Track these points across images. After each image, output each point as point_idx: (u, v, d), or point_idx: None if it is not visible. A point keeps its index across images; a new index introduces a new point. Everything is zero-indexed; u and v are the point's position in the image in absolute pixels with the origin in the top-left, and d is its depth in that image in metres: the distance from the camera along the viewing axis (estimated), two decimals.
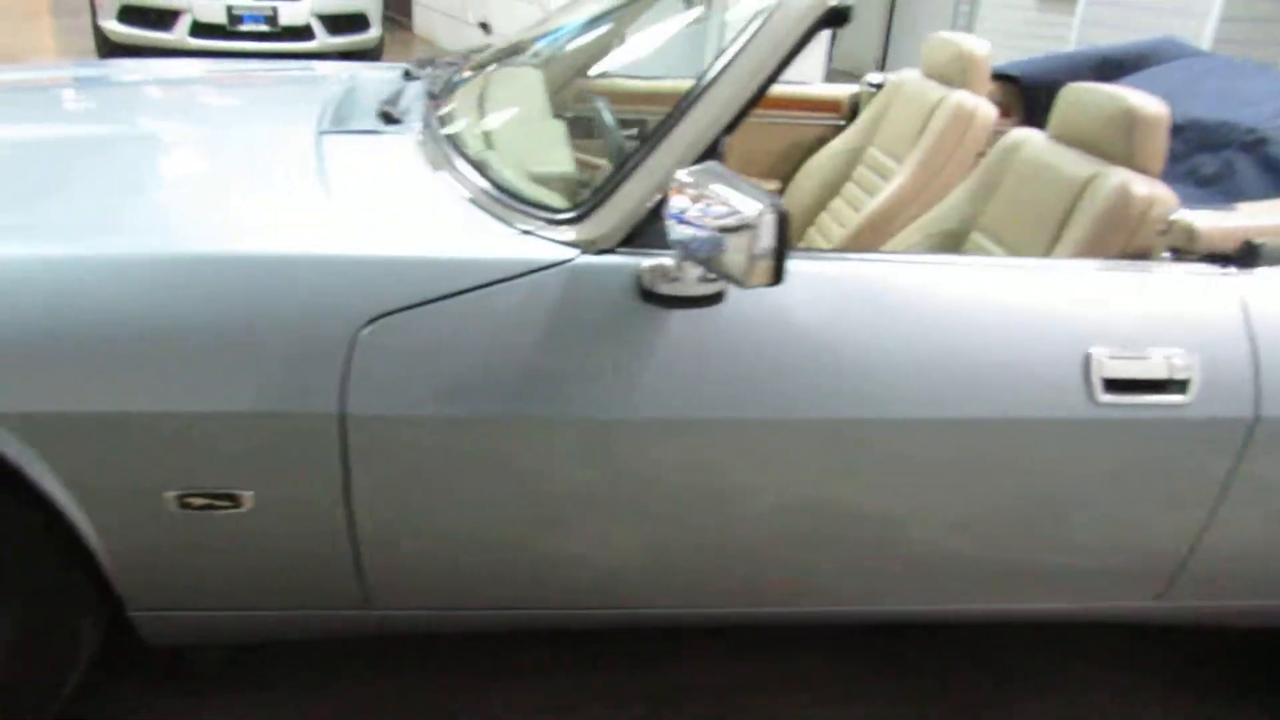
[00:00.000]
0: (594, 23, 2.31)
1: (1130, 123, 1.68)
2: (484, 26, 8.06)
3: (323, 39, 6.81)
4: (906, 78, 2.61)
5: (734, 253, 1.17)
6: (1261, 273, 1.52)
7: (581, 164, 1.72)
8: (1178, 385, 1.44)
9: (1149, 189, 1.65)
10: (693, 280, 1.31)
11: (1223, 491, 1.51)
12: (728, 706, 1.75)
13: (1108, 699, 1.85)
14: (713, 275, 1.31)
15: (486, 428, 1.31)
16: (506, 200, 1.44)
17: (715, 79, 1.39)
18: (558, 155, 1.66)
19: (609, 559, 1.43)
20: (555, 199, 1.48)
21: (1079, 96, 1.81)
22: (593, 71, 2.42)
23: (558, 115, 1.87)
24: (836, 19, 1.41)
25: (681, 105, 1.39)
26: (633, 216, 1.36)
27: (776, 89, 2.83)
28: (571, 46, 2.27)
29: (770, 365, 1.35)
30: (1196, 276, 1.50)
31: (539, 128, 1.78)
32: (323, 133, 1.70)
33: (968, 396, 1.40)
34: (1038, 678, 1.89)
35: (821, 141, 2.85)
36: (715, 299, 1.33)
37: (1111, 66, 2.65)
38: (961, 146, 2.35)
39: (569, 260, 1.34)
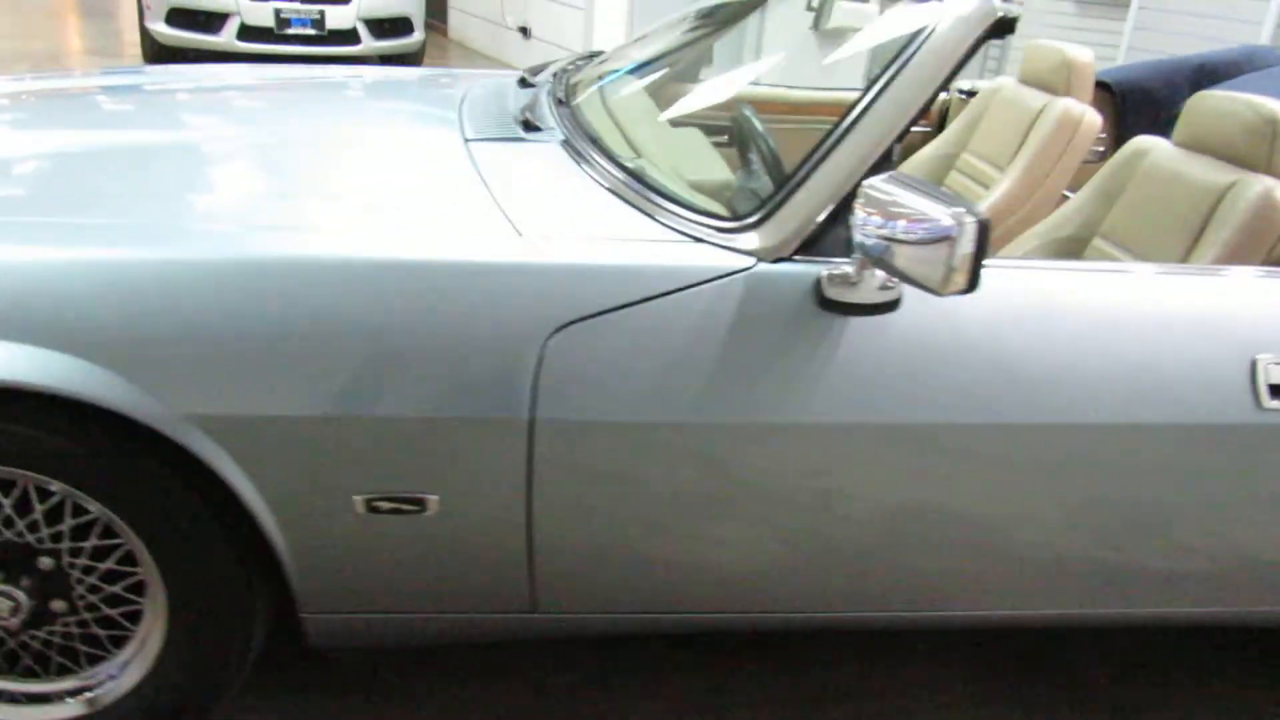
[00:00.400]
0: (700, 31, 2.33)
1: (1273, 131, 1.69)
2: (523, 31, 8.09)
3: (368, 43, 6.85)
4: (1003, 84, 2.62)
5: (929, 261, 1.18)
6: None
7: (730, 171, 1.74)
8: None
9: None
10: (873, 287, 1.33)
11: None
12: (870, 710, 1.76)
13: (1261, 698, 1.86)
14: (892, 283, 1.33)
15: (671, 433, 1.32)
16: (670, 207, 1.45)
17: (885, 88, 1.41)
18: (710, 163, 1.68)
19: (784, 559, 1.44)
20: (716, 206, 1.49)
21: (1212, 104, 1.82)
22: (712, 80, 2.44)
23: (691, 123, 1.89)
24: (1004, 28, 1.43)
25: (851, 114, 1.41)
26: (808, 224, 1.37)
27: (830, 95, 2.84)
28: (683, 55, 2.28)
29: (945, 369, 1.37)
30: None
31: (681, 136, 1.80)
32: (469, 140, 1.72)
33: (1133, 401, 1.41)
34: (1195, 677, 1.90)
35: (910, 149, 2.86)
36: (892, 306, 1.34)
37: (1206, 74, 2.65)
38: (1066, 154, 2.36)
39: (749, 268, 1.35)
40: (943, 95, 2.92)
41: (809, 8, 2.50)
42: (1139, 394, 1.42)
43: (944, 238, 1.16)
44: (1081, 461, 1.42)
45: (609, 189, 1.52)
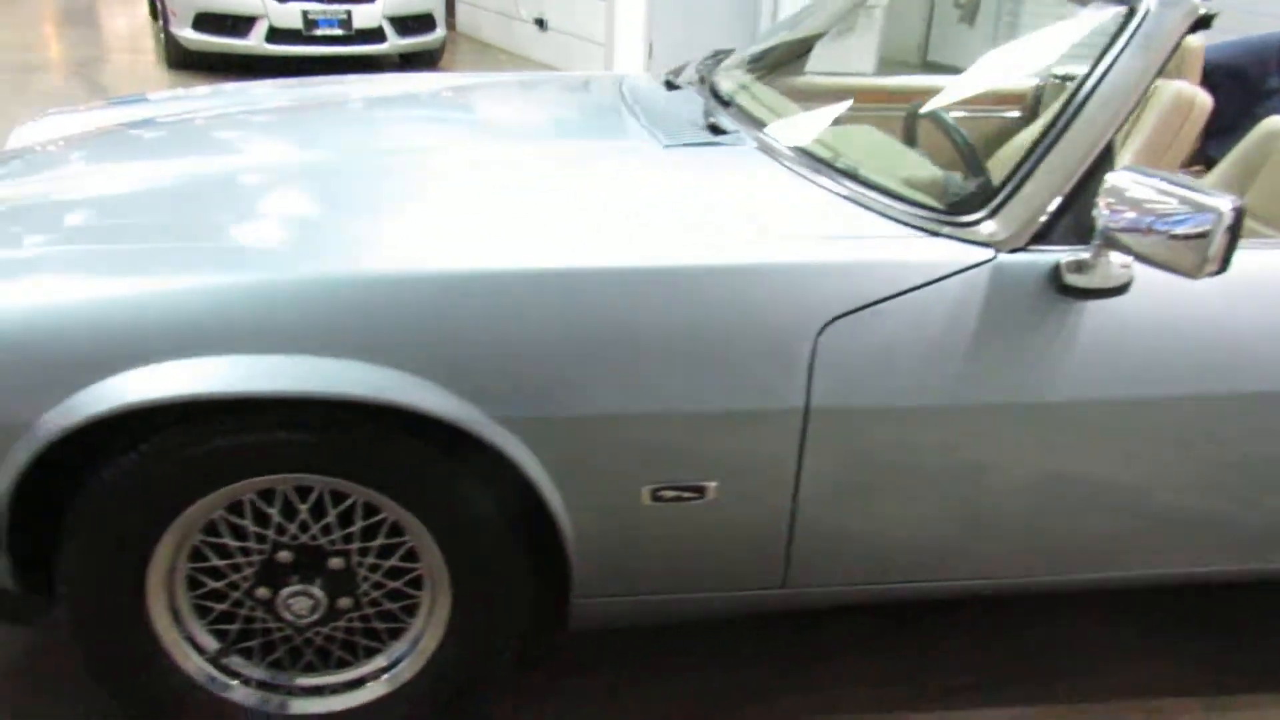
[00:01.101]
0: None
1: None
2: (540, 23, 8.12)
3: (393, 41, 6.89)
4: None
5: (1187, 247, 1.29)
6: None
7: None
8: None
9: None
10: (1109, 272, 1.43)
11: None
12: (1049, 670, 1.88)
13: None
14: (1128, 264, 1.43)
15: (933, 415, 1.43)
16: (898, 205, 1.55)
17: (1100, 82, 1.51)
18: (908, 158, 1.77)
19: (1030, 528, 1.55)
20: (934, 200, 1.59)
21: None
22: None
23: (863, 119, 1.98)
24: (1204, 23, 1.53)
25: (1070, 108, 1.51)
26: (1039, 215, 1.47)
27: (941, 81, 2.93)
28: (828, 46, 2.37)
29: (1179, 344, 1.47)
30: None
31: (862, 132, 1.89)
32: (667, 146, 1.81)
33: None
34: None
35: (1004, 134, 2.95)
36: (1126, 288, 1.44)
37: None
38: (1180, 136, 2.46)
39: (991, 259, 1.45)
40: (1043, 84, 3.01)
41: (956, 4, 2.58)
42: None
43: (1205, 225, 1.26)
44: (1237, 417, 1.53)
45: (828, 190, 1.61)
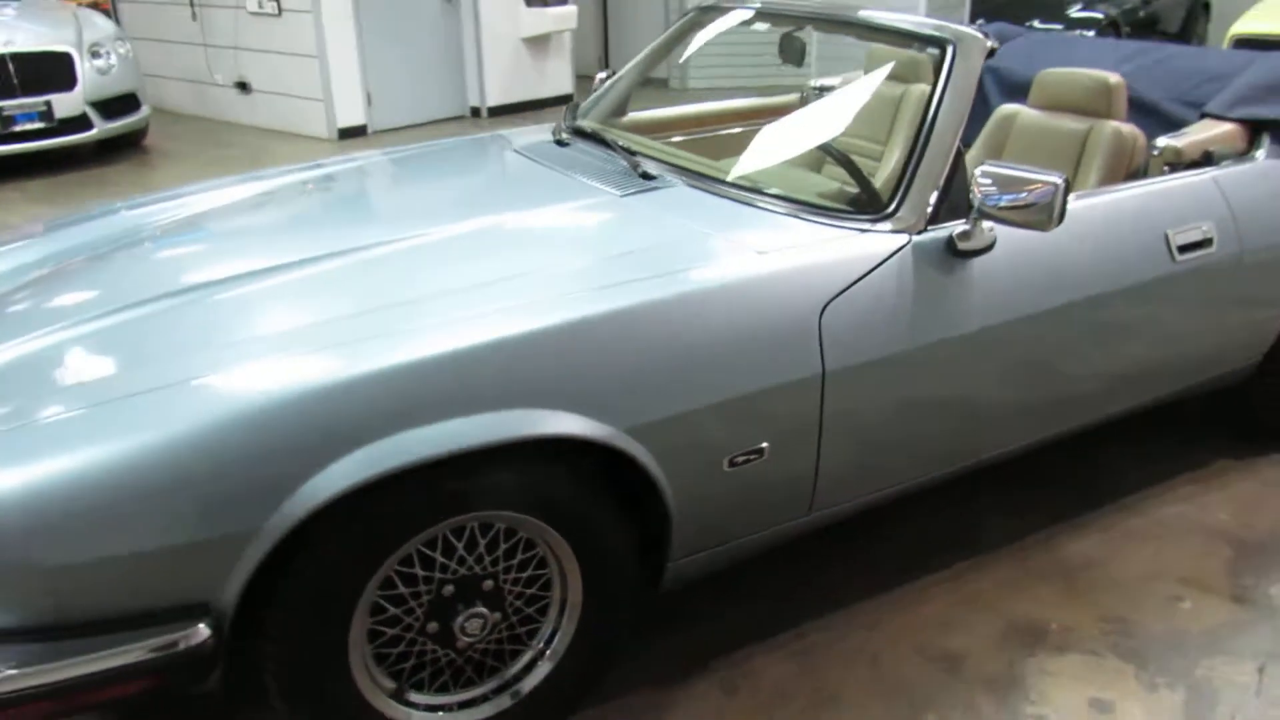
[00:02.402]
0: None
1: (1108, 89, 2.61)
2: (242, 86, 7.95)
3: (101, 126, 6.52)
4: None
5: (1039, 210, 1.91)
6: (1220, 166, 2.50)
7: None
8: (1206, 242, 2.38)
9: (1128, 129, 2.59)
10: (984, 236, 2.04)
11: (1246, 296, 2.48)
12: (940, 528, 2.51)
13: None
14: (993, 230, 2.04)
15: (900, 358, 1.96)
16: (827, 215, 2.07)
17: (938, 107, 2.11)
18: (815, 179, 2.30)
19: (976, 416, 2.15)
20: (852, 207, 2.13)
21: (1059, 78, 2.73)
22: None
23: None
24: (991, 53, 2.19)
25: (925, 128, 2.10)
26: (927, 204, 2.05)
27: (744, 104, 3.53)
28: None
29: (1030, 277, 2.11)
30: (1194, 176, 2.45)
31: (766, 159, 2.38)
32: (623, 196, 2.21)
33: (1119, 271, 2.24)
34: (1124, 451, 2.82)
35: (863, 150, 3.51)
36: (993, 246, 2.06)
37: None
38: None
39: (908, 242, 2.01)
40: (793, 95, 3.67)
41: (780, 52, 3.11)
42: (1120, 267, 2.25)
43: (1052, 193, 1.89)
44: (1091, 315, 2.23)
45: (771, 210, 2.10)
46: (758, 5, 2.82)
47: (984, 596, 2.29)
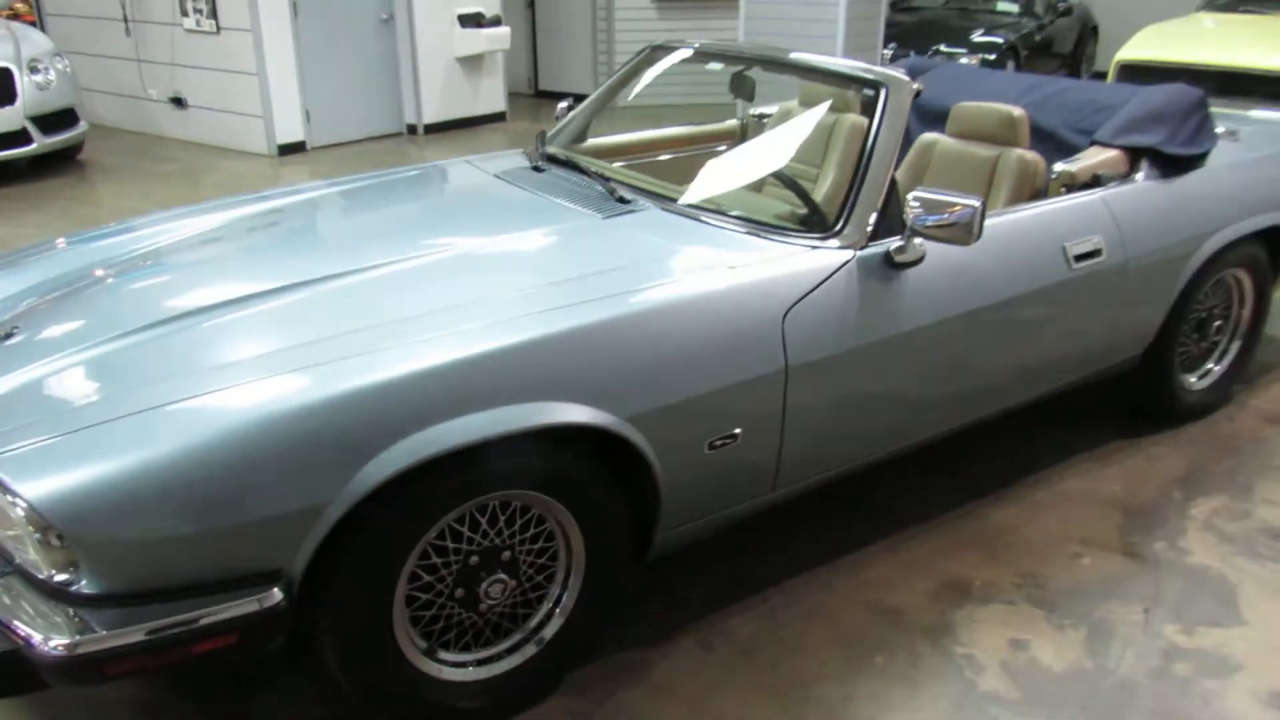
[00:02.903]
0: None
1: (1014, 121, 3.01)
2: (177, 101, 8.00)
3: (40, 141, 6.55)
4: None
5: (961, 228, 2.27)
6: (1107, 186, 2.93)
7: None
8: (1097, 253, 2.79)
9: (1031, 156, 3.00)
10: (916, 251, 2.39)
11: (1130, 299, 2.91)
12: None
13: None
14: (923, 246, 2.40)
15: (850, 354, 2.31)
16: (784, 233, 2.41)
17: (874, 143, 2.47)
18: (769, 201, 2.63)
19: (912, 403, 2.51)
20: (804, 226, 2.47)
21: (972, 110, 3.12)
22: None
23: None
24: (918, 94, 2.56)
25: (864, 159, 2.46)
26: (868, 224, 2.40)
27: (694, 130, 3.86)
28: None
29: (954, 284, 2.48)
30: (1086, 196, 2.87)
31: (723, 182, 2.71)
32: (605, 219, 2.52)
33: (1029, 276, 2.63)
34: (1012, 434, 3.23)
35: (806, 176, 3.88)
36: (923, 259, 2.42)
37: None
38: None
39: (854, 256, 2.36)
40: (733, 121, 4.02)
41: (731, 89, 3.43)
42: (1028, 275, 2.64)
43: (972, 214, 2.25)
44: (1006, 315, 2.62)
45: (734, 230, 2.43)
46: (708, 45, 3.16)
47: (918, 560, 2.66)
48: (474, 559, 2.01)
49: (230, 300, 2.15)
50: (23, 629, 1.64)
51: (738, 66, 3.30)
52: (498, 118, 9.13)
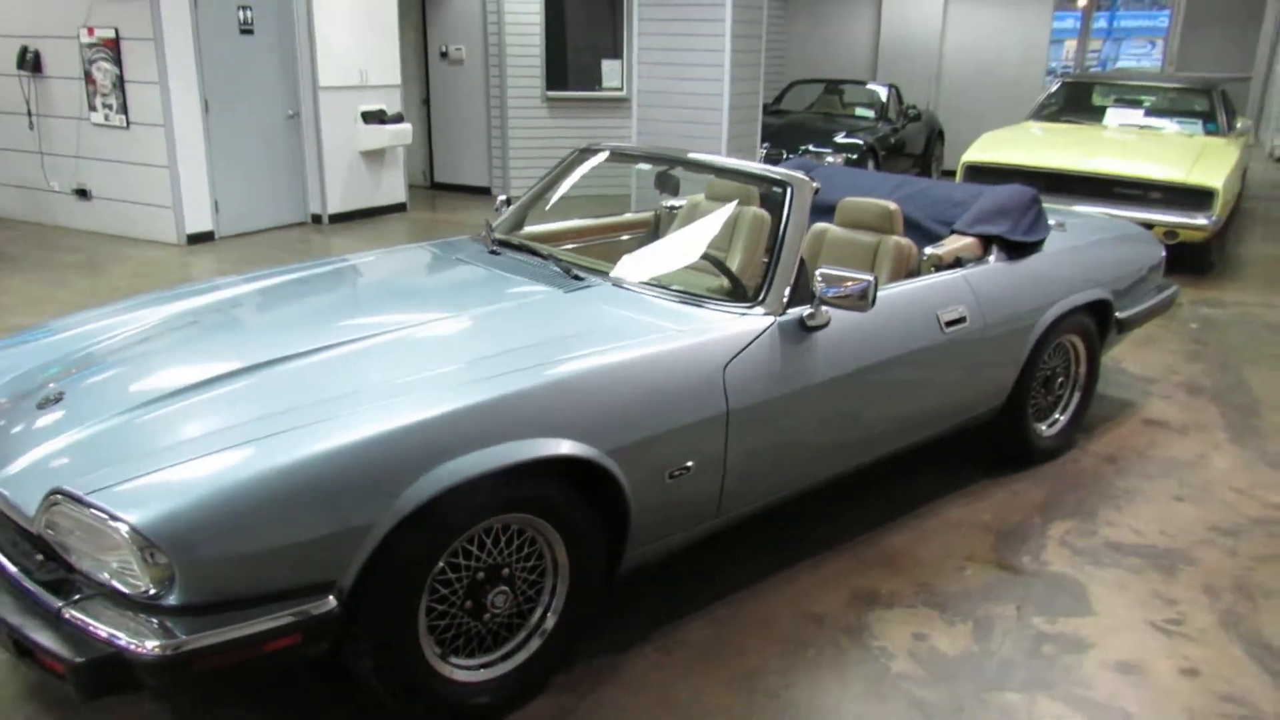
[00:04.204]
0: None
1: (890, 214, 3.66)
2: (81, 193, 8.10)
3: None
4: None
5: (858, 297, 2.83)
6: (967, 266, 3.58)
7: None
8: (962, 320, 3.42)
9: (905, 242, 3.64)
10: (822, 317, 2.94)
11: (990, 359, 3.54)
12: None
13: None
14: (829, 314, 2.95)
15: (778, 400, 2.81)
16: (718, 303, 2.93)
17: (786, 231, 3.04)
18: (701, 277, 3.15)
19: (826, 446, 3.01)
20: (733, 298, 2.99)
21: (855, 204, 3.76)
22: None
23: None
24: (816, 191, 3.15)
25: (778, 246, 3.01)
26: (784, 295, 2.94)
27: (618, 219, 4.39)
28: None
29: (854, 343, 3.04)
30: (951, 275, 3.51)
31: (664, 262, 3.22)
32: (567, 293, 2.98)
33: (906, 341, 3.22)
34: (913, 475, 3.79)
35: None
36: (829, 323, 2.97)
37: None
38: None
39: (774, 321, 2.89)
40: (648, 214, 4.57)
41: (655, 185, 3.97)
42: (910, 337, 3.23)
43: (867, 287, 2.82)
44: (895, 369, 3.19)
45: (677, 301, 2.94)
46: (629, 148, 3.72)
47: (834, 576, 3.15)
48: (480, 574, 2.38)
49: (278, 358, 2.54)
50: (123, 637, 1.93)
51: (662, 166, 3.86)
52: (399, 208, 9.54)
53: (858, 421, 3.17)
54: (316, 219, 8.84)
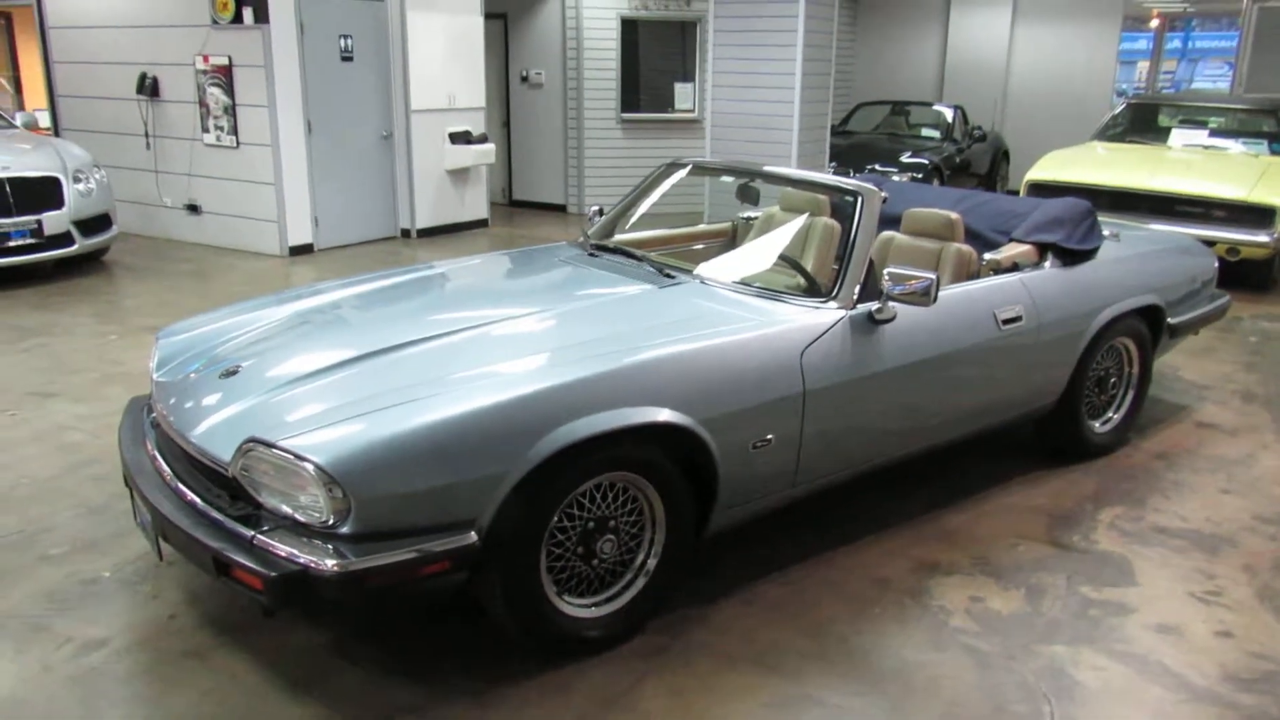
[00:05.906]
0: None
1: (952, 223, 3.99)
2: (193, 208, 8.76)
3: (81, 242, 7.24)
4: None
5: (922, 294, 3.18)
6: (1024, 271, 3.90)
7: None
8: (1018, 319, 3.73)
9: (966, 248, 3.97)
10: (890, 311, 3.29)
11: (1044, 357, 3.84)
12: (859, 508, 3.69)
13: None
14: (896, 308, 3.29)
15: (850, 383, 3.16)
16: (796, 297, 3.30)
17: (856, 234, 3.39)
18: (781, 275, 3.53)
19: (890, 429, 3.36)
20: (801, 289, 3.35)
21: (920, 214, 4.10)
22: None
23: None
24: (885, 201, 3.51)
25: (848, 246, 3.37)
26: (855, 291, 3.30)
27: (680, 230, 4.78)
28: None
29: (919, 336, 3.38)
30: (1009, 277, 3.83)
31: (752, 262, 3.60)
32: (661, 289, 3.38)
33: (966, 334, 3.54)
34: (970, 462, 4.09)
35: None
36: (895, 317, 3.32)
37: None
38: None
39: (846, 315, 3.24)
40: (725, 225, 4.95)
41: (737, 195, 4.38)
42: (970, 332, 3.55)
43: (930, 284, 3.16)
44: (945, 365, 3.51)
45: (760, 296, 3.31)
46: (710, 162, 4.11)
47: (898, 548, 3.47)
48: (590, 524, 2.77)
49: (442, 333, 3.03)
50: (307, 557, 2.36)
51: (743, 179, 4.26)
52: (481, 224, 10.07)
53: (920, 409, 3.50)
54: (405, 233, 9.40)
